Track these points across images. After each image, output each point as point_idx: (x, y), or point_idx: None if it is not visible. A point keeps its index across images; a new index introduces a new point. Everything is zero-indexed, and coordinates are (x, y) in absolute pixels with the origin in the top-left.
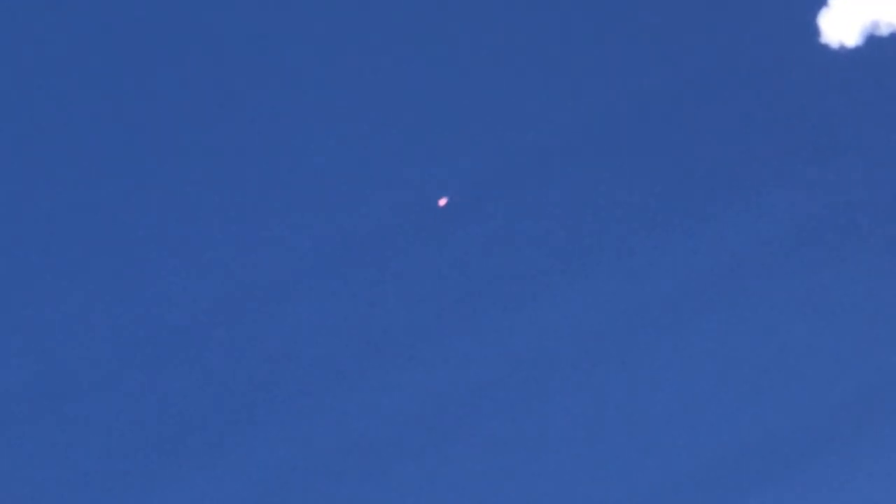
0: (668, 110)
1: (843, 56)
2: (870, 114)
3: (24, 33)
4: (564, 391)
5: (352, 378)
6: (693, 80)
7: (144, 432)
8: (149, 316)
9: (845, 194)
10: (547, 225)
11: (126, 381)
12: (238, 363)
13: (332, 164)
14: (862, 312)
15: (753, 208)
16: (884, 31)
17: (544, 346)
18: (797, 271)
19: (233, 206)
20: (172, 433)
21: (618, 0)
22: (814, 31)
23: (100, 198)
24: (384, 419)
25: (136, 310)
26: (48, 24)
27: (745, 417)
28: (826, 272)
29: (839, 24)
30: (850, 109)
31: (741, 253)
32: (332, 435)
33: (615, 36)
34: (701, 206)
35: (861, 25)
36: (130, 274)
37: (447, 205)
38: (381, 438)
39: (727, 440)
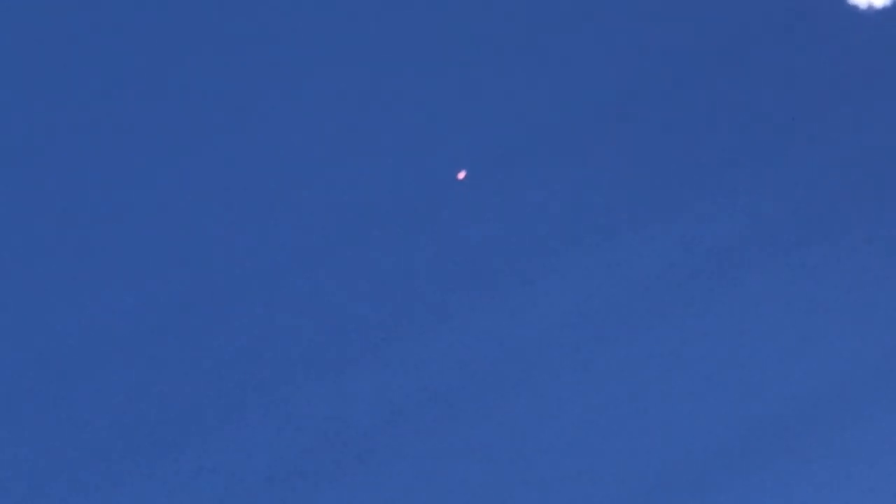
0: (675, 79)
1: (872, 17)
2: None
3: (23, 32)
4: (561, 379)
5: (345, 364)
6: (702, 50)
7: (121, 423)
8: (128, 298)
9: (857, 172)
10: (550, 206)
11: (110, 371)
12: (236, 348)
13: (347, 136)
14: (857, 306)
15: (757, 192)
16: None
17: (537, 334)
18: (795, 261)
19: (232, 180)
20: (147, 424)
21: None
22: None
23: (92, 184)
24: (381, 404)
25: (120, 287)
26: (43, 22)
27: (734, 411)
28: (822, 263)
29: None
30: (878, 76)
31: (741, 240)
32: (332, 420)
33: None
34: (701, 191)
35: None
36: (123, 251)
37: (466, 178)
38: (380, 422)
39: (719, 433)
